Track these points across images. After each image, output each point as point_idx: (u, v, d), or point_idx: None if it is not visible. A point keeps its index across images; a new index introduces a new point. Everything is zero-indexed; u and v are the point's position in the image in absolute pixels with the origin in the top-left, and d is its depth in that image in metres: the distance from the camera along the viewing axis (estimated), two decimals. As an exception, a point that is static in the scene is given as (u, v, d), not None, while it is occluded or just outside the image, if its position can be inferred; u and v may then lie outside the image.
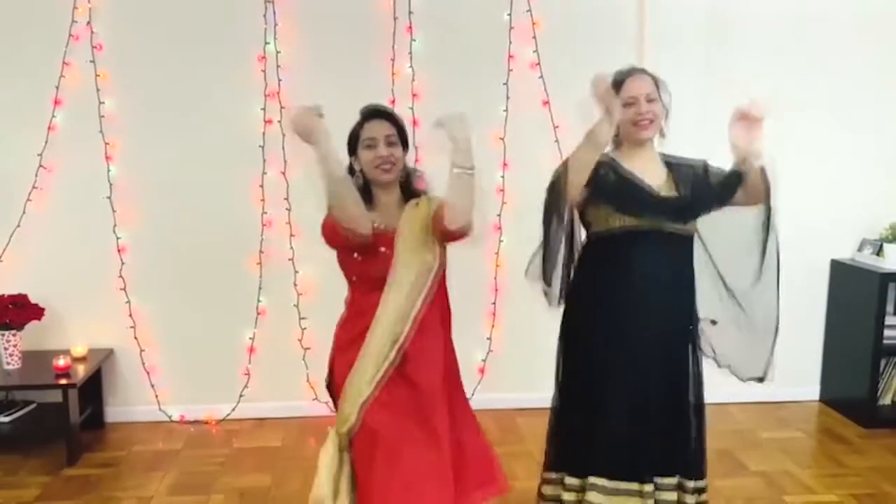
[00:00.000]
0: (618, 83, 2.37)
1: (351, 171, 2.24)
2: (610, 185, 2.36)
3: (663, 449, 2.44)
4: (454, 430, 2.20)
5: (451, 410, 2.21)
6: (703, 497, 2.53)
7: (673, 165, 2.49)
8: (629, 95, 2.35)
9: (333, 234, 2.15)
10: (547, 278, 2.50)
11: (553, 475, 2.53)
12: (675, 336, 2.49)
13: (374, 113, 2.26)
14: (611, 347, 2.40)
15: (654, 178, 2.42)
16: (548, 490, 2.54)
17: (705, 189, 2.42)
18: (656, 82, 2.43)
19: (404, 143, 2.26)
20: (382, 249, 2.15)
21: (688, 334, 2.53)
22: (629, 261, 2.37)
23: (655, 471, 2.42)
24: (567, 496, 2.44)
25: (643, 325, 2.39)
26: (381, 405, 2.10)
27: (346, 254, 2.20)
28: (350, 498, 2.16)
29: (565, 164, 2.32)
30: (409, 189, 2.30)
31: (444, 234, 2.15)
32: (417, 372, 2.14)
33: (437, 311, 2.21)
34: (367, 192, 2.22)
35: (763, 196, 2.43)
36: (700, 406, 2.58)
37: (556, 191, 2.36)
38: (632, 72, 2.42)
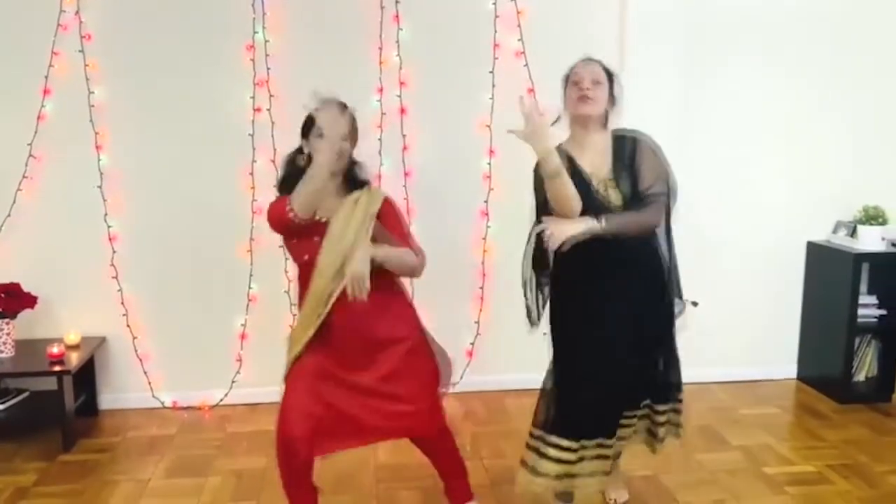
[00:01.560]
0: (568, 71, 2.61)
1: (300, 151, 2.51)
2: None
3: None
4: (382, 383, 2.49)
5: (379, 369, 2.49)
6: (676, 416, 2.81)
7: (616, 152, 2.60)
8: (575, 74, 2.55)
9: (279, 220, 2.44)
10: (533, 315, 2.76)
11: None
12: (645, 304, 2.65)
13: (331, 105, 2.45)
14: (586, 324, 2.59)
15: (599, 170, 2.55)
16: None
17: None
18: (609, 73, 2.59)
19: (353, 139, 2.49)
20: (316, 239, 2.42)
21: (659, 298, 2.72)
22: (590, 246, 2.46)
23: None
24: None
25: (612, 298, 2.56)
26: (301, 363, 2.46)
27: (287, 240, 2.53)
28: None
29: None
30: (352, 178, 2.52)
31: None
32: (335, 339, 2.46)
33: (384, 294, 2.46)
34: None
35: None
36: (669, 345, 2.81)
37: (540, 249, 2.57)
38: (584, 59, 2.61)
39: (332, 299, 2.41)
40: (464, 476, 2.81)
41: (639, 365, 2.64)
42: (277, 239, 3.73)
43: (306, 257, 2.46)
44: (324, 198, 2.41)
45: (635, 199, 2.53)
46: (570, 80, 2.57)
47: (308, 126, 2.51)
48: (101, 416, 3.81)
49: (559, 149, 2.48)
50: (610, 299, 2.56)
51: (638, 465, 3.22)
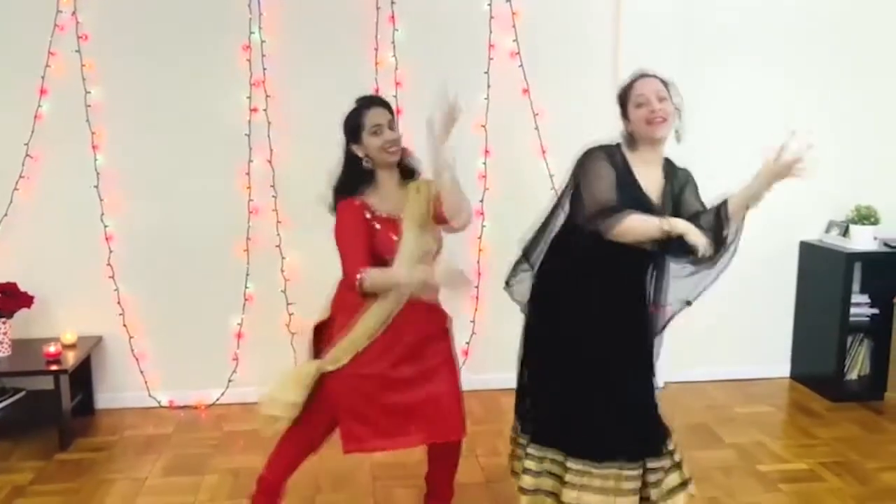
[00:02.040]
0: (626, 88, 2.48)
1: (353, 158, 2.45)
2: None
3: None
4: (427, 382, 2.47)
5: (427, 365, 2.48)
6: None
7: (668, 177, 2.56)
8: (639, 94, 2.40)
9: (354, 223, 2.41)
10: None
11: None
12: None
13: (373, 101, 2.50)
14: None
15: (652, 188, 2.48)
16: None
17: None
18: (665, 84, 2.48)
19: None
20: (394, 238, 2.41)
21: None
22: (608, 265, 2.44)
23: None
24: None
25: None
26: (361, 361, 2.39)
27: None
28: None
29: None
30: (406, 168, 2.53)
31: (444, 224, 2.49)
32: (395, 335, 2.42)
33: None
34: (370, 176, 2.45)
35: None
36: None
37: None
38: (639, 74, 2.48)
39: (408, 295, 2.40)
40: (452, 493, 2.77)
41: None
42: (274, 238, 3.82)
43: (388, 257, 2.41)
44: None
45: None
46: (633, 100, 2.42)
47: (356, 127, 2.45)
48: (98, 415, 3.81)
49: (617, 154, 2.44)
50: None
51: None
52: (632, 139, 2.47)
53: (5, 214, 3.64)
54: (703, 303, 4.14)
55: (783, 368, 4.35)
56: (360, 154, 2.45)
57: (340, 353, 2.41)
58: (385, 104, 2.50)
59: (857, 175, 4.19)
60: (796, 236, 4.24)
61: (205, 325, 3.86)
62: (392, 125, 2.45)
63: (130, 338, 3.83)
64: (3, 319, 3.54)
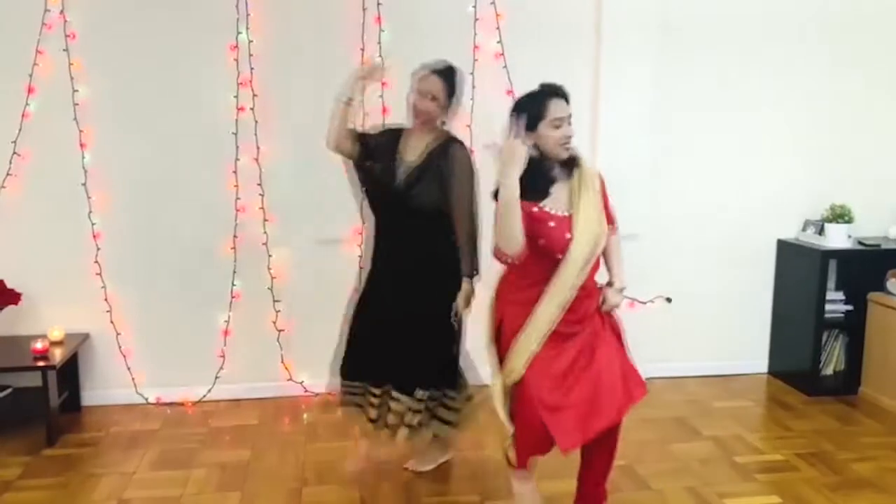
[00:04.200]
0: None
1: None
2: None
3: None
4: (596, 365, 2.46)
5: (594, 349, 2.48)
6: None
7: None
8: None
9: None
10: None
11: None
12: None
13: (558, 92, 2.44)
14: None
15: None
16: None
17: None
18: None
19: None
20: (567, 236, 2.39)
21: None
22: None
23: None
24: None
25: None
26: (539, 359, 2.43)
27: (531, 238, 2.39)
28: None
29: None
30: (570, 160, 2.49)
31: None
32: (569, 327, 2.45)
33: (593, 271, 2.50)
34: (540, 167, 2.42)
35: None
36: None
37: None
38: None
39: (578, 287, 2.42)
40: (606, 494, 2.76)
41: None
42: (261, 236, 3.85)
43: (560, 256, 2.40)
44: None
45: None
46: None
47: (537, 116, 2.40)
48: (85, 411, 3.83)
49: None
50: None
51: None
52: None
53: (-8, 212, 3.66)
54: (684, 299, 4.27)
55: (761, 364, 4.45)
56: (529, 142, 2.37)
57: (516, 364, 2.44)
58: (568, 98, 2.45)
59: (832, 174, 4.30)
60: (774, 234, 4.34)
61: (192, 322, 3.89)
62: (571, 120, 2.43)
63: (117, 335, 3.85)
64: (-9, 316, 3.56)
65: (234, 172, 3.80)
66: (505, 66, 3.92)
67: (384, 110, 3.81)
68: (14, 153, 3.64)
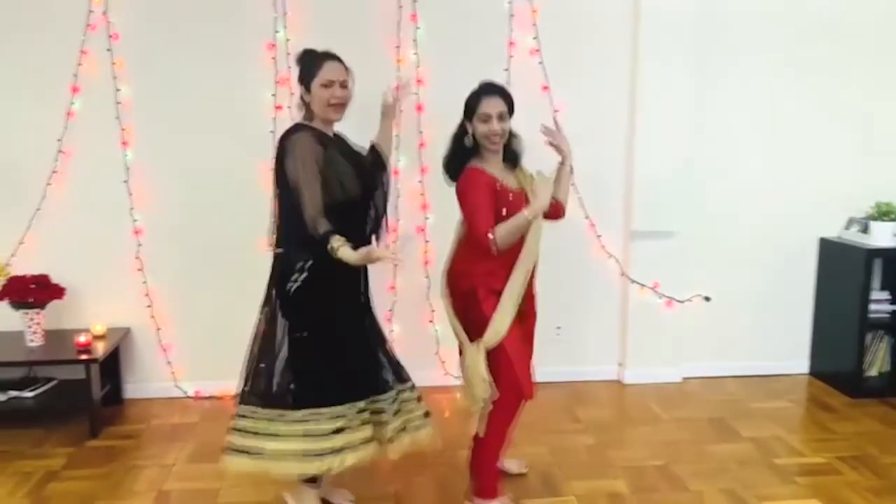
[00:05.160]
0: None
1: (464, 131, 2.74)
2: None
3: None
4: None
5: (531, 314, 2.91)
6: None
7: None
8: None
9: (486, 185, 2.68)
10: None
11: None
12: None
13: (493, 89, 2.71)
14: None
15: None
16: None
17: None
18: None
19: (511, 113, 2.73)
20: (527, 214, 2.59)
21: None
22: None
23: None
24: None
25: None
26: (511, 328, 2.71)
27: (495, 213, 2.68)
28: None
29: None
30: (510, 151, 2.80)
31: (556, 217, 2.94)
32: (527, 303, 2.79)
33: None
34: (474, 152, 2.75)
35: None
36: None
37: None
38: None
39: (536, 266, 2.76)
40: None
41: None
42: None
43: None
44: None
45: None
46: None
47: (470, 110, 2.71)
48: (126, 404, 3.91)
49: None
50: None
51: (648, 455, 3.29)
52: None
53: (38, 208, 3.75)
54: (722, 298, 4.20)
55: (803, 365, 4.36)
56: (469, 131, 2.72)
57: (500, 327, 2.67)
58: (504, 95, 2.71)
59: (877, 171, 4.19)
60: (816, 233, 4.25)
61: (230, 316, 3.91)
62: (503, 116, 2.67)
63: (158, 329, 3.92)
64: (36, 310, 3.65)
65: (272, 170, 3.83)
66: (541, 63, 3.90)
67: (419, 107, 3.82)
68: (59, 151, 3.73)
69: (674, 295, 4.13)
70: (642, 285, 4.12)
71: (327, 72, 2.61)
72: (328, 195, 2.54)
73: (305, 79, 2.65)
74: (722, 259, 4.22)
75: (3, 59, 3.70)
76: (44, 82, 3.71)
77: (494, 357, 2.71)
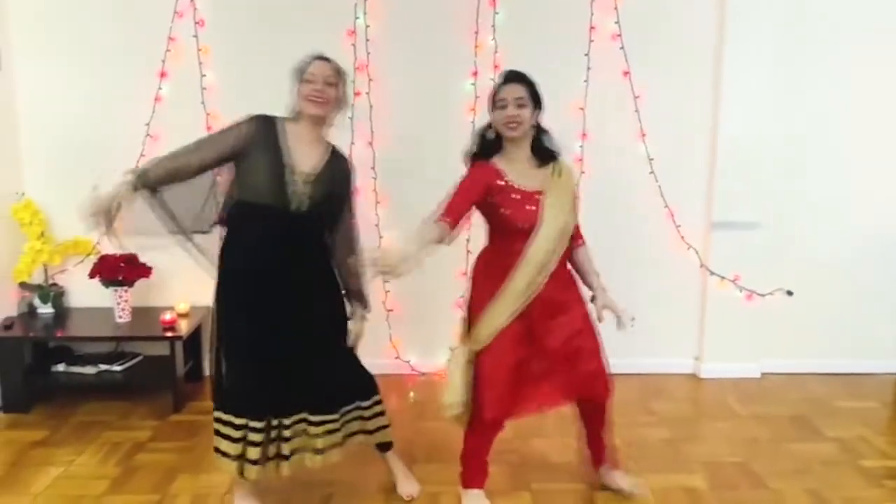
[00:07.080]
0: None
1: (488, 126, 2.65)
2: None
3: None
4: (567, 343, 2.61)
5: (568, 338, 2.61)
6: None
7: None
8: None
9: (486, 183, 2.57)
10: None
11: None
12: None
13: (513, 77, 2.60)
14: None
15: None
16: None
17: None
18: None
19: (536, 104, 2.59)
20: (531, 208, 2.53)
21: None
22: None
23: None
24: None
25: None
26: (504, 333, 2.55)
27: (494, 209, 2.56)
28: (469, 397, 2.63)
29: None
30: (539, 147, 2.65)
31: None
32: (534, 310, 2.56)
33: (564, 263, 2.65)
34: (498, 145, 2.62)
35: None
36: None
37: None
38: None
39: (550, 268, 2.55)
40: (609, 443, 2.88)
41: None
42: (373, 218, 3.93)
43: (526, 225, 2.54)
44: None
45: None
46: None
47: (490, 98, 2.64)
48: (206, 381, 4.04)
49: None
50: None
51: (726, 451, 3.21)
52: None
53: (128, 190, 3.89)
54: (806, 292, 4.06)
55: (891, 364, 4.18)
56: (491, 123, 2.63)
57: (485, 331, 2.56)
58: (527, 82, 2.58)
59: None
60: (908, 226, 4.06)
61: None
62: (522, 103, 2.54)
63: (237, 309, 4.02)
64: (125, 288, 3.80)
65: (349, 156, 3.88)
66: (622, 47, 3.82)
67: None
68: (147, 135, 3.86)
69: (755, 288, 4.01)
70: (722, 278, 4.01)
71: (312, 69, 2.66)
72: (238, 187, 2.67)
73: (295, 77, 2.72)
74: (805, 252, 4.07)
75: (96, 46, 3.84)
76: (134, 69, 3.84)
77: (475, 365, 2.60)
